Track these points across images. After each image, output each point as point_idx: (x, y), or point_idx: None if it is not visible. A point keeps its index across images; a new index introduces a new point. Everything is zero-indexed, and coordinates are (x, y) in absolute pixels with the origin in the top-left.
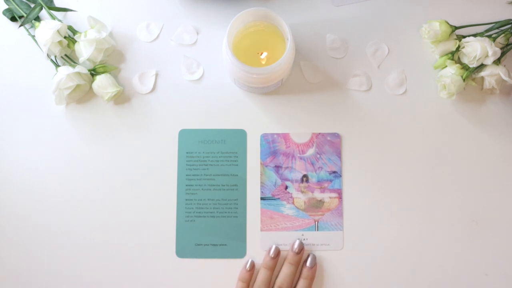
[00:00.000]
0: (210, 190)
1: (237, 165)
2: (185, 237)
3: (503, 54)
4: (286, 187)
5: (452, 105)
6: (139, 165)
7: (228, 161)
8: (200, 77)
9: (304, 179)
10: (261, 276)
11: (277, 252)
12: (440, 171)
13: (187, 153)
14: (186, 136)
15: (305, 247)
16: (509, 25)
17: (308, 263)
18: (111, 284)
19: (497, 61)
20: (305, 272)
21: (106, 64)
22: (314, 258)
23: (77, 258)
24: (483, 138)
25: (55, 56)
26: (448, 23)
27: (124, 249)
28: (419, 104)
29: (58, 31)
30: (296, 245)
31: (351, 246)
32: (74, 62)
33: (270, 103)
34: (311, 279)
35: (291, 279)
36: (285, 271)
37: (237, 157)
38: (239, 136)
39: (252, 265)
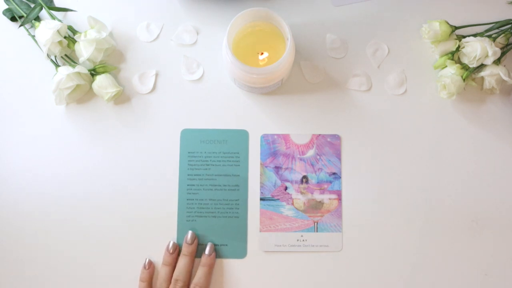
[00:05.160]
0: (212, 190)
1: (238, 165)
2: None
3: (503, 54)
4: (286, 188)
5: (452, 105)
6: (140, 165)
7: (229, 161)
8: (200, 77)
9: (304, 180)
10: (162, 273)
11: (175, 248)
12: (440, 171)
13: (189, 153)
14: (188, 136)
15: (302, 248)
16: (509, 25)
17: (206, 251)
18: (112, 284)
19: (497, 61)
20: (203, 259)
21: (106, 64)
22: (212, 246)
23: (77, 257)
24: (483, 138)
25: (55, 56)
26: (448, 23)
27: (125, 248)
28: (419, 104)
29: (58, 31)
30: (189, 236)
31: (350, 248)
32: (74, 62)
33: (270, 103)
34: (210, 266)
35: (187, 269)
36: (180, 264)
37: (238, 157)
38: (241, 136)
39: (150, 263)
